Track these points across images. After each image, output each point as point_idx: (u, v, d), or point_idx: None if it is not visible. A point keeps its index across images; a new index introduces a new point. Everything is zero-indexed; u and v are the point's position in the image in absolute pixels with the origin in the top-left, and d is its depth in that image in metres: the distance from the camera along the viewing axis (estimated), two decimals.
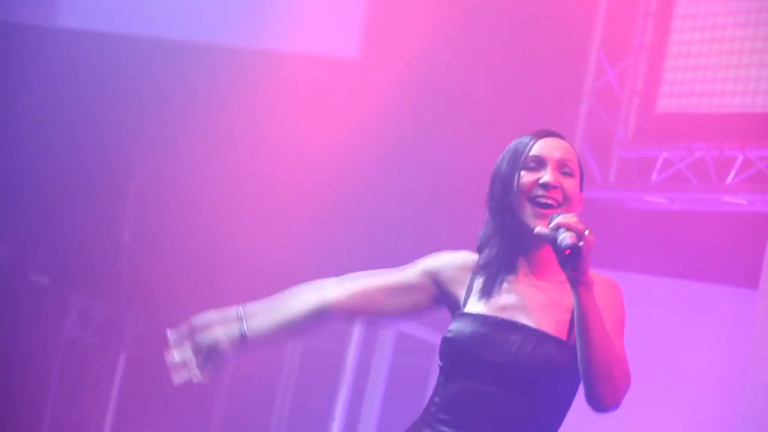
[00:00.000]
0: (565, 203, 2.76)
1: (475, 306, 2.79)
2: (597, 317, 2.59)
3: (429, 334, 7.03)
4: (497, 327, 2.73)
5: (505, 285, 2.79)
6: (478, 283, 2.81)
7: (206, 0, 8.02)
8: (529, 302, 2.75)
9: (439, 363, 2.79)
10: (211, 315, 2.89)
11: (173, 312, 8.23)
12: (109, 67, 7.85)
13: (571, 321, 2.70)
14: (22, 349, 7.89)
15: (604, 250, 6.71)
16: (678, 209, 6.89)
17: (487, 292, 2.78)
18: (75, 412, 8.16)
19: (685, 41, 6.92)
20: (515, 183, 2.78)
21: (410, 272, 2.91)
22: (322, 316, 2.90)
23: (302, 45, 7.72)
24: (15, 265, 8.01)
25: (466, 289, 2.83)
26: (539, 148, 2.81)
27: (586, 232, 2.56)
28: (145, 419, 8.27)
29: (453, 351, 2.75)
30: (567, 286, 2.68)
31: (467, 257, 2.88)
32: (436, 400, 2.78)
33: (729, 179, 6.61)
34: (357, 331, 7.06)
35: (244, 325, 2.87)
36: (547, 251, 2.74)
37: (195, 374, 2.85)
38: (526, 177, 2.78)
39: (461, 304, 2.82)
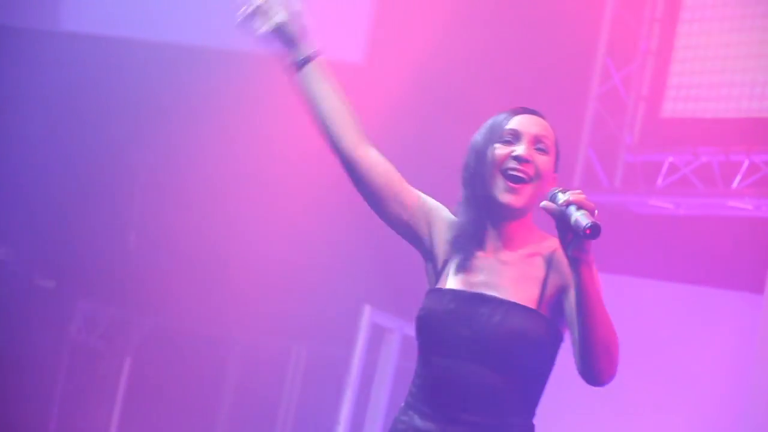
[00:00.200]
0: (536, 178, 2.76)
1: (446, 282, 2.80)
2: (598, 295, 2.57)
3: None
4: (466, 301, 2.73)
5: (474, 261, 2.79)
6: (451, 259, 2.82)
7: (211, 4, 8.02)
8: (498, 276, 2.76)
9: (416, 342, 2.81)
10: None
11: (179, 316, 8.26)
12: (114, 71, 7.87)
13: (541, 292, 2.71)
14: (28, 353, 7.89)
15: (609, 254, 6.73)
16: (683, 214, 6.89)
17: (459, 268, 2.79)
18: (80, 416, 8.16)
19: (691, 46, 6.93)
20: (489, 154, 2.79)
21: (422, 202, 2.90)
22: (346, 145, 2.89)
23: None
24: (20, 270, 8.01)
25: (441, 261, 2.84)
26: (516, 122, 2.82)
27: (596, 211, 2.52)
28: (151, 423, 8.27)
29: (425, 328, 2.76)
30: (536, 259, 2.72)
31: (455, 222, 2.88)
32: (417, 381, 2.80)
33: (735, 184, 6.60)
34: (362, 336, 7.06)
35: (311, 58, 2.92)
36: (516, 225, 2.77)
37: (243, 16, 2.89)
38: (500, 149, 2.79)
39: (437, 264, 2.84)
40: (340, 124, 2.91)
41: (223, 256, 7.90)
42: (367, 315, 7.06)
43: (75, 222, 7.97)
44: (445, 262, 2.83)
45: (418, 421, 2.74)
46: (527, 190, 2.76)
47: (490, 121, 2.86)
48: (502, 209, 2.76)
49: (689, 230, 6.82)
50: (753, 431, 5.95)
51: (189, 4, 8.04)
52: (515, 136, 2.79)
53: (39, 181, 8.02)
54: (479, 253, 2.80)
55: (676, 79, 6.95)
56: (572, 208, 2.51)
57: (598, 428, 6.63)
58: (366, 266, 6.98)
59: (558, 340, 2.74)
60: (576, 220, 2.49)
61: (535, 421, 2.79)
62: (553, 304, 2.72)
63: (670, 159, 6.87)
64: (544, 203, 2.56)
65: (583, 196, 2.53)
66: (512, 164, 2.76)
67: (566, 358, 2.77)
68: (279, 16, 2.91)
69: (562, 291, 2.71)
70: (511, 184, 2.75)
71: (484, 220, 2.81)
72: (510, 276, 2.75)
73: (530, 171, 2.76)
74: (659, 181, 6.90)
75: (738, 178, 6.59)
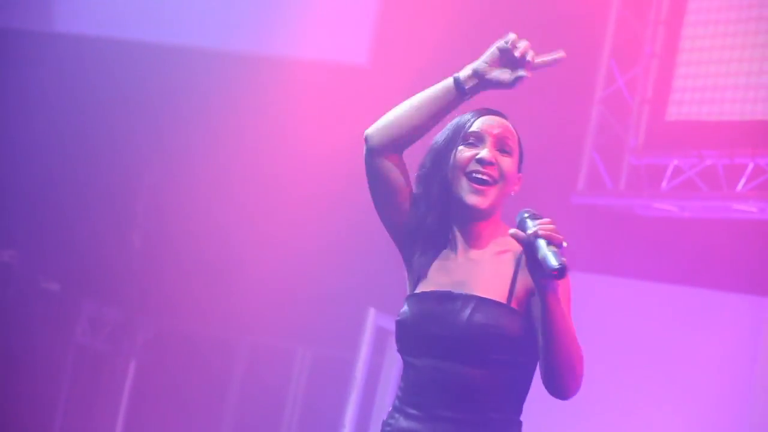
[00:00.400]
0: (500, 180, 2.78)
1: (420, 286, 2.81)
2: (562, 316, 2.57)
3: None
4: (435, 300, 2.75)
5: (445, 262, 2.81)
6: (423, 264, 2.83)
7: (218, 7, 8.04)
8: (468, 275, 2.77)
9: (397, 349, 2.82)
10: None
11: (183, 319, 8.27)
12: (121, 73, 7.88)
13: (511, 288, 2.72)
14: (33, 355, 7.91)
15: (614, 257, 6.73)
16: (688, 217, 6.89)
17: (432, 271, 2.81)
18: (85, 418, 8.18)
19: (696, 49, 6.92)
20: (452, 157, 2.80)
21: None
22: (392, 144, 2.87)
23: (313, 52, 7.74)
24: (26, 272, 8.03)
25: (416, 267, 2.85)
26: (479, 124, 2.83)
27: (564, 243, 2.51)
28: (156, 425, 8.29)
29: (403, 332, 2.78)
30: (505, 256, 2.74)
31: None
32: (401, 384, 2.80)
33: (739, 187, 6.60)
34: (367, 339, 7.07)
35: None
36: (484, 225, 2.79)
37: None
38: (463, 152, 2.80)
39: (413, 270, 2.85)
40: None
41: (228, 258, 7.91)
42: (372, 318, 7.07)
43: (79, 225, 7.98)
44: (419, 268, 2.85)
45: (403, 422, 2.75)
46: (492, 191, 2.78)
47: (452, 122, 2.87)
48: (468, 210, 2.78)
49: (694, 233, 6.82)
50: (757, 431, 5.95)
51: (189, 4, 8.05)
52: (479, 138, 2.81)
53: (43, 184, 8.03)
54: (449, 255, 2.82)
55: (681, 82, 6.95)
56: (541, 242, 2.50)
57: (598, 428, 6.63)
58: (371, 269, 6.98)
59: (533, 334, 2.70)
60: (544, 258, 2.48)
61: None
62: (522, 301, 2.72)
63: (675, 162, 6.87)
64: (512, 231, 2.55)
65: (551, 227, 2.52)
66: (476, 167, 2.78)
67: None
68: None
69: (531, 293, 2.70)
70: (477, 186, 2.77)
71: (450, 222, 2.83)
72: (480, 273, 2.77)
73: (494, 173, 2.78)
74: (664, 183, 6.89)
75: (743, 180, 6.58)
